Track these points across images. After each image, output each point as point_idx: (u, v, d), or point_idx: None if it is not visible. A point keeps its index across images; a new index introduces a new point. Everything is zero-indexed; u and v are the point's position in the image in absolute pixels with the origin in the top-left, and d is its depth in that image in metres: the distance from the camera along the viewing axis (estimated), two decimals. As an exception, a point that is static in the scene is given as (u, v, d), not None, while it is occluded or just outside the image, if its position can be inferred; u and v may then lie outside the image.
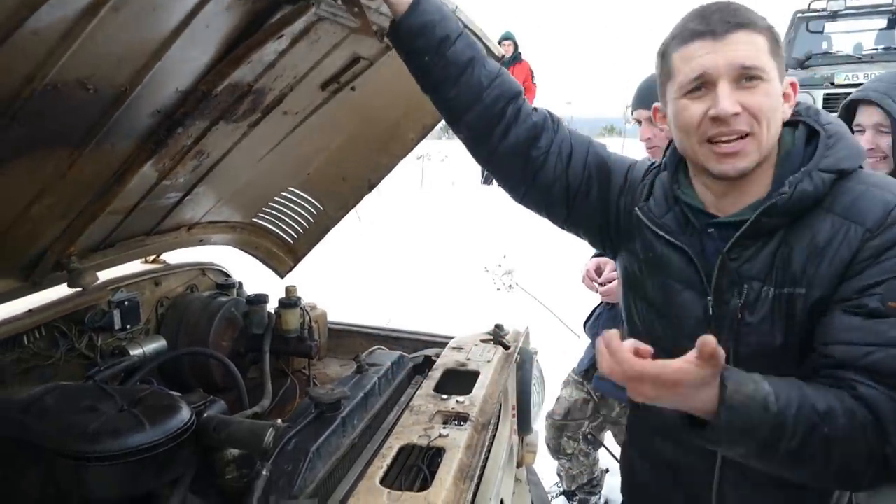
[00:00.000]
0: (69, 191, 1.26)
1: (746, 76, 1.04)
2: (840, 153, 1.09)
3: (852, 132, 1.89)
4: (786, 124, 1.14)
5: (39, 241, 1.38)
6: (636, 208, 1.25)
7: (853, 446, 0.95)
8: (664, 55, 1.14)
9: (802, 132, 1.14)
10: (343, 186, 2.08)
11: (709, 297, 1.14)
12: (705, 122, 1.07)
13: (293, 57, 1.27)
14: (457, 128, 1.31)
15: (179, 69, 1.12)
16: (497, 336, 1.89)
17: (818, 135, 1.12)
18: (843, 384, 0.99)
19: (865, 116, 1.87)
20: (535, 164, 1.29)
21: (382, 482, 1.16)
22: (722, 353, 0.89)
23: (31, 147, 1.06)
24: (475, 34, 1.42)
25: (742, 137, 1.06)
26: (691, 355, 0.89)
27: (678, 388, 0.92)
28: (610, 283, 2.07)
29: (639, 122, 2.19)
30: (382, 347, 1.94)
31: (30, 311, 1.53)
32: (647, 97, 2.11)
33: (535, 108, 1.32)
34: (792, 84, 1.13)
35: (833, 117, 1.19)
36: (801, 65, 7.49)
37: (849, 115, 1.93)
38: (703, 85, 1.07)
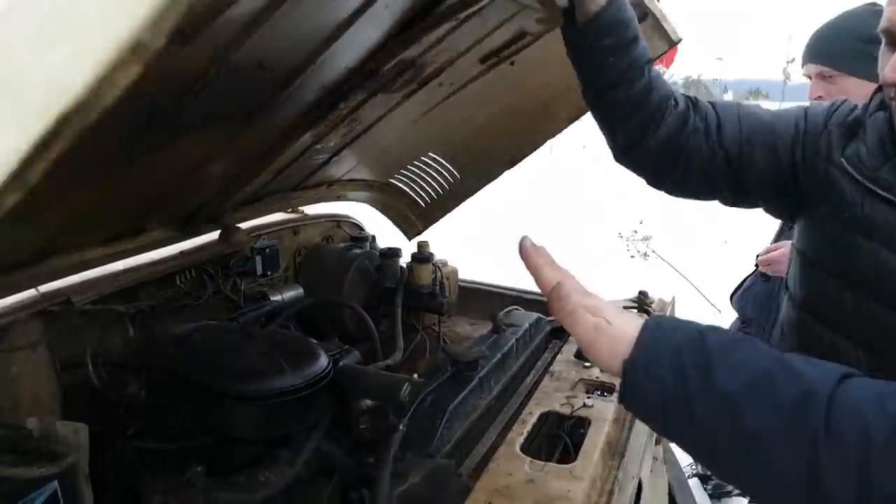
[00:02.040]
0: (232, 158, 1.28)
1: None
2: None
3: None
4: None
5: (198, 199, 1.43)
6: (842, 159, 1.03)
7: None
8: None
9: None
10: (484, 159, 1.99)
11: None
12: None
13: (460, 33, 1.20)
14: (612, 135, 1.22)
15: (352, 48, 1.09)
16: (642, 303, 1.73)
17: None
18: None
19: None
20: (687, 147, 1.17)
21: (523, 450, 1.08)
22: None
23: (206, 121, 1.07)
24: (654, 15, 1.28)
25: None
26: None
27: None
28: (771, 252, 1.87)
29: (809, 77, 1.88)
30: (519, 308, 1.85)
31: (181, 252, 1.58)
32: (822, 48, 1.80)
33: (672, 92, 1.19)
34: None
35: None
36: None
37: None
38: (891, 41, 0.93)
